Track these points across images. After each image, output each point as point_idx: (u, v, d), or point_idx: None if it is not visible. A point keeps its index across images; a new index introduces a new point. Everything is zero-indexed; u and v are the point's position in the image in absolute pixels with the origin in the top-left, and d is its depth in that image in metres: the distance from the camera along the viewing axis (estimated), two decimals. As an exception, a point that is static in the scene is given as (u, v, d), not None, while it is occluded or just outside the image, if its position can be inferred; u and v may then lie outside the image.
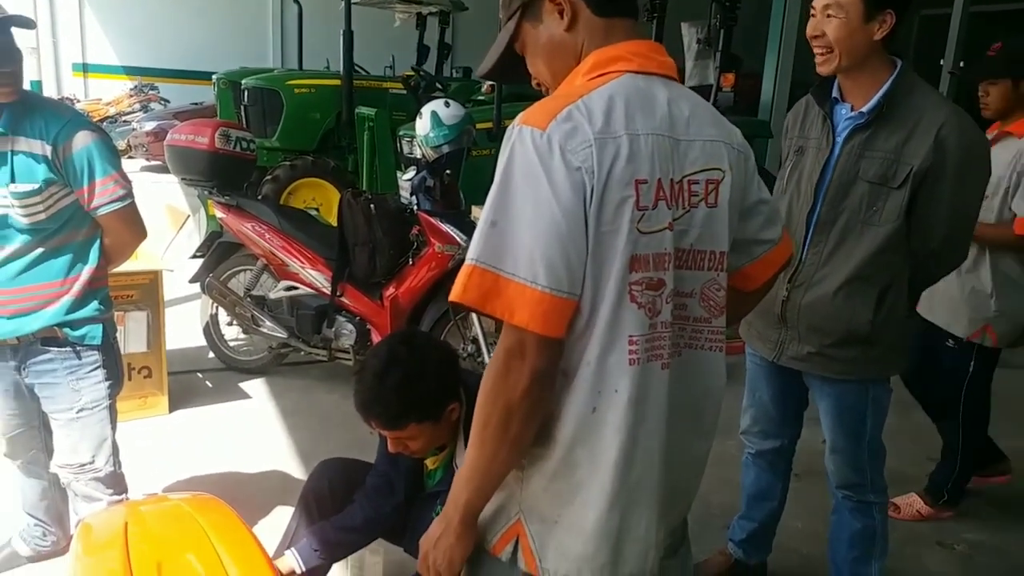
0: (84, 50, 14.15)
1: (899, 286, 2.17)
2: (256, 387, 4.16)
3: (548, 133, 1.16)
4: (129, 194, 2.12)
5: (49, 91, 12.71)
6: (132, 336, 3.57)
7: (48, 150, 2.00)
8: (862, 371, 2.22)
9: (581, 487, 1.25)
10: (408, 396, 1.84)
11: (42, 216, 2.03)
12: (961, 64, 8.96)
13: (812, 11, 2.10)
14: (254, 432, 3.67)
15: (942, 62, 8.57)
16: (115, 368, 2.24)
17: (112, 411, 2.24)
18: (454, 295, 1.19)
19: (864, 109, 2.10)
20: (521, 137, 1.18)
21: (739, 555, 2.70)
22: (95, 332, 2.15)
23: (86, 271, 2.13)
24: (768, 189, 1.51)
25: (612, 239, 1.18)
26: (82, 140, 2.02)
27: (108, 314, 2.20)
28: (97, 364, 2.17)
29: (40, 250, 2.06)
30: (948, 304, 2.98)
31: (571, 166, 1.15)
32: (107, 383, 2.20)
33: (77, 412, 2.16)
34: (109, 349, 2.21)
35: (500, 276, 1.15)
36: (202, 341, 4.34)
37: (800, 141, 2.28)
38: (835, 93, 2.18)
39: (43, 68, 12.24)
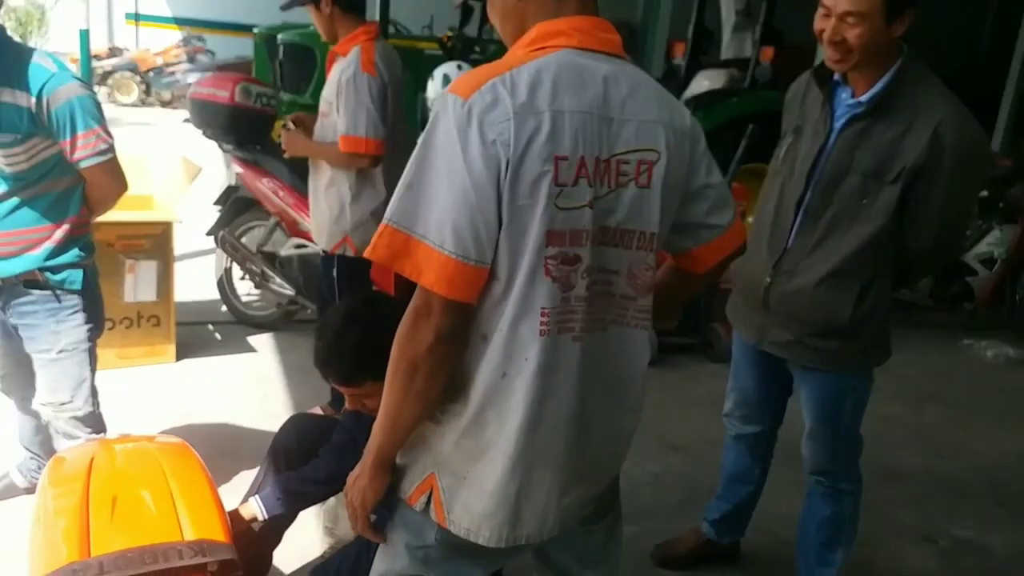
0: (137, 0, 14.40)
1: (883, 280, 2.13)
2: (263, 342, 4.24)
3: (469, 104, 1.18)
4: (111, 148, 2.16)
5: (99, 40, 12.96)
6: (142, 285, 3.66)
7: (32, 102, 2.03)
8: (842, 364, 2.20)
9: (488, 447, 1.29)
10: (365, 353, 1.86)
11: (24, 166, 2.08)
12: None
13: (823, 10, 1.98)
14: (256, 386, 3.75)
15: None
16: (96, 312, 2.30)
17: (92, 354, 2.31)
18: (367, 251, 1.24)
19: (863, 99, 2.04)
20: (445, 104, 1.20)
21: (711, 535, 2.70)
22: (75, 277, 2.21)
23: (68, 219, 2.18)
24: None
25: (529, 212, 1.20)
26: (66, 94, 2.06)
27: (89, 260, 2.26)
28: (77, 308, 2.23)
29: (21, 196, 2.11)
30: (316, 220, 3.24)
31: (486, 139, 1.16)
32: (87, 326, 2.26)
33: (57, 353, 2.23)
34: (90, 294, 2.27)
35: (411, 237, 1.19)
36: (216, 294, 4.43)
37: (798, 120, 2.22)
38: (837, 75, 2.11)
39: (95, 16, 12.45)
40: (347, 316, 1.93)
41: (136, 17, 14.50)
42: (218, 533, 1.75)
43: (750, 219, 2.71)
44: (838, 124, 2.09)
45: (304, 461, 2.20)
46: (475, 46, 7.51)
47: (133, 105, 12.61)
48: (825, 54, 2.03)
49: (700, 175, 1.39)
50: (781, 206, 2.19)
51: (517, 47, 1.30)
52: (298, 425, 2.34)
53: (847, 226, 2.08)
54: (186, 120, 11.12)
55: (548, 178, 1.19)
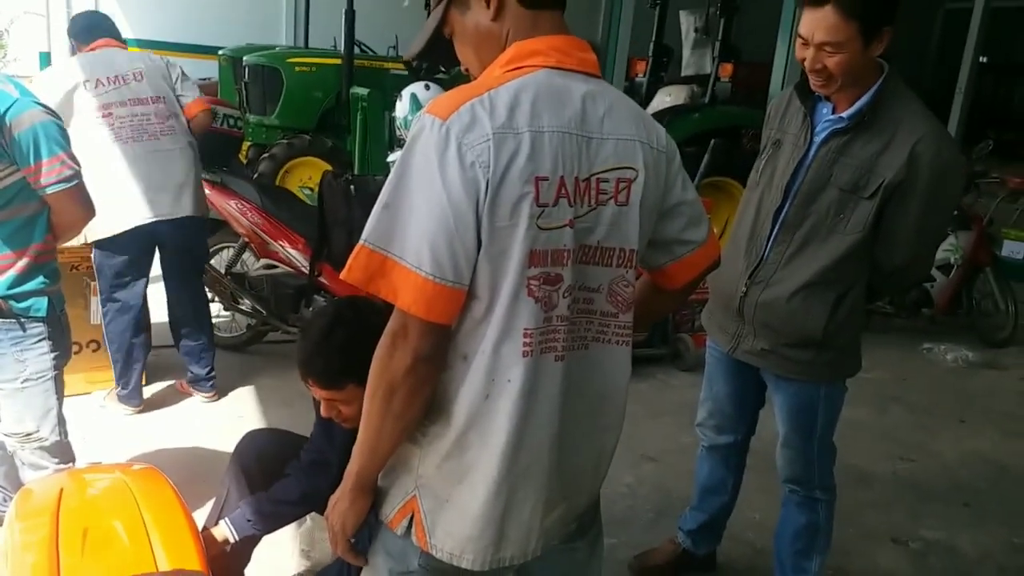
0: (98, 23, 14.16)
1: (857, 292, 2.17)
2: (234, 363, 4.18)
3: (447, 125, 1.18)
4: (76, 175, 2.14)
5: (60, 62, 12.73)
6: (106, 309, 3.60)
7: None
8: (815, 373, 2.23)
9: (471, 469, 1.28)
10: (351, 355, 1.82)
11: None
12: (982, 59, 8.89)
13: (801, 40, 2.00)
14: (227, 408, 3.71)
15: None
16: (61, 340, 2.26)
17: (58, 382, 2.27)
18: (343, 274, 1.22)
19: (845, 115, 2.07)
20: (422, 125, 1.20)
21: (687, 545, 2.71)
22: (40, 304, 2.17)
23: (32, 246, 2.15)
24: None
25: (510, 234, 1.20)
26: (30, 119, 2.04)
27: (54, 287, 2.22)
28: (42, 336, 2.19)
29: None
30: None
31: (465, 161, 1.16)
32: (52, 355, 2.22)
33: (22, 382, 2.18)
34: (55, 321, 2.23)
35: (388, 258, 1.18)
36: (185, 316, 4.36)
37: (778, 134, 2.25)
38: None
39: (55, 38, 12.24)
40: (334, 317, 1.92)
41: (96, 40, 14.29)
42: (193, 562, 1.72)
43: (715, 230, 2.76)
44: (818, 138, 2.11)
45: (266, 478, 2.18)
46: (440, 66, 7.54)
47: (95, 128, 12.38)
48: (810, 80, 2.06)
49: (676, 191, 1.40)
50: (759, 217, 2.22)
51: (494, 67, 1.30)
52: (256, 441, 2.31)
53: (823, 239, 2.11)
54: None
55: (529, 199, 1.19)
